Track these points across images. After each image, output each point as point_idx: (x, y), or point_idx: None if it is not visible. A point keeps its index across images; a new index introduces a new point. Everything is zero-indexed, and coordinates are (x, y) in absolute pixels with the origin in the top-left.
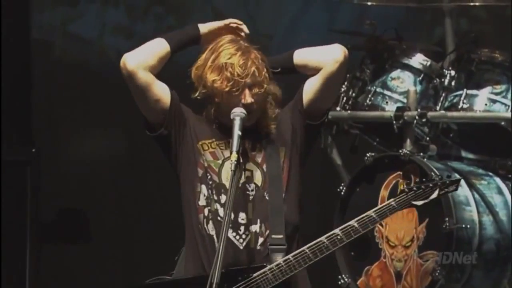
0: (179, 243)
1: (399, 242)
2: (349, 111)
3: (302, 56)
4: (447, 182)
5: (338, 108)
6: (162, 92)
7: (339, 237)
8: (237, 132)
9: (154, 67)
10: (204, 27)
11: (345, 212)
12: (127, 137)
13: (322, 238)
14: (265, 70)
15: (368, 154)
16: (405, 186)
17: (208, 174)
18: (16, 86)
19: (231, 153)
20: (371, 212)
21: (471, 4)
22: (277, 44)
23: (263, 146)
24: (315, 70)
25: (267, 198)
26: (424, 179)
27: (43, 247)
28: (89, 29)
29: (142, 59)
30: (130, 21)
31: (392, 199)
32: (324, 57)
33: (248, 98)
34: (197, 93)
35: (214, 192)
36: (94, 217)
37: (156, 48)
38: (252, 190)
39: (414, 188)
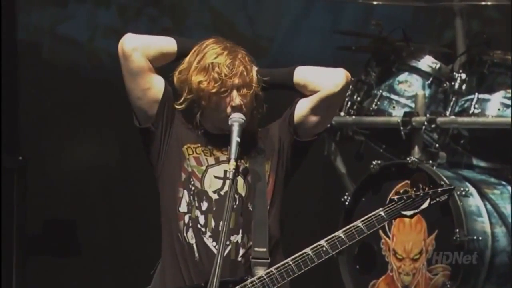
0: None
1: (407, 255)
2: (353, 116)
3: (302, 75)
4: (439, 191)
5: (342, 113)
6: (155, 82)
7: (324, 248)
8: (235, 138)
9: (153, 58)
10: None
11: (349, 223)
12: (120, 145)
13: (307, 250)
14: (253, 70)
15: (374, 162)
16: (395, 196)
17: (191, 180)
18: (2, 90)
19: (229, 160)
20: (358, 223)
21: (483, 3)
22: (278, 47)
23: (248, 157)
24: (313, 92)
25: (251, 209)
26: (414, 188)
27: (30, 260)
28: (79, 30)
29: (142, 44)
30: (122, 22)
31: (380, 209)
32: (325, 79)
33: (237, 99)
34: (182, 100)
35: (195, 198)
36: (84, 229)
37: (161, 42)
38: (236, 199)
39: (404, 198)
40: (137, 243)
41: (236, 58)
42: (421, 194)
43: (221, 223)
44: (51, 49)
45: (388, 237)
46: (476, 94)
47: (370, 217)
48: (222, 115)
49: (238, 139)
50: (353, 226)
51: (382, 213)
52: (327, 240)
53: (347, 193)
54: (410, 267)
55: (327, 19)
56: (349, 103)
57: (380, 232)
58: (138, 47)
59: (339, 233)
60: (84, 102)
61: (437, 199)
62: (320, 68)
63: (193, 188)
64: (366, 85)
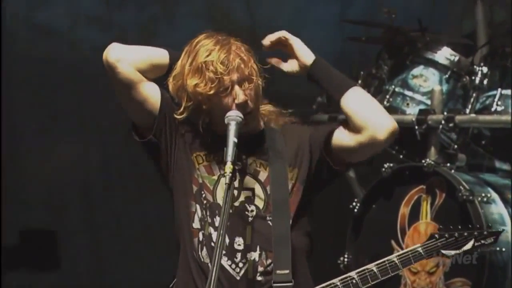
0: (162, 269)
1: (422, 268)
2: None
3: (352, 104)
4: (485, 233)
5: None
6: (149, 92)
7: (354, 281)
8: (232, 139)
9: (141, 69)
10: None
11: (359, 233)
12: (102, 146)
13: (335, 281)
14: (252, 60)
15: (385, 165)
16: (436, 232)
17: (202, 193)
18: None
19: (225, 163)
20: (393, 257)
21: None
22: None
23: (269, 162)
24: (355, 128)
25: (270, 224)
26: (459, 226)
27: (5, 274)
28: (59, 19)
29: (128, 54)
30: (106, 10)
31: (419, 245)
32: (377, 120)
33: (240, 96)
34: (182, 109)
35: (208, 213)
36: (64, 240)
37: (151, 52)
38: (252, 211)
39: (446, 235)
40: (119, 255)
41: (230, 51)
42: (465, 234)
43: (236, 239)
44: (27, 40)
45: (402, 247)
46: (499, 89)
47: (406, 252)
48: None
49: (235, 140)
50: (388, 260)
51: (420, 250)
52: (358, 273)
53: (356, 199)
54: (426, 282)
55: (335, 7)
56: None
57: (393, 242)
58: (123, 58)
59: (372, 266)
60: (64, 97)
61: (482, 242)
62: (375, 107)
63: (205, 201)
64: (377, 80)
